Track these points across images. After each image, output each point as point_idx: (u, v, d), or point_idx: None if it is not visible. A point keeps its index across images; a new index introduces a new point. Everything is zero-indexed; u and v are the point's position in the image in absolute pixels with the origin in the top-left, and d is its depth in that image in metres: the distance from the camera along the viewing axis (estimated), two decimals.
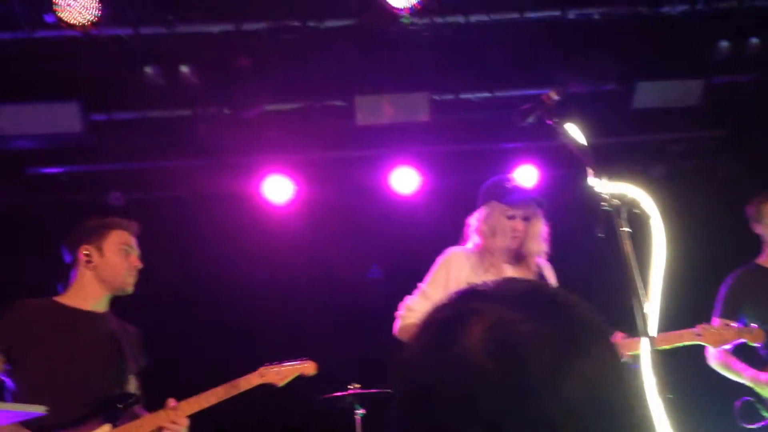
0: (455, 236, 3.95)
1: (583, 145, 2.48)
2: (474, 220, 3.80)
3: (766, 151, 5.58)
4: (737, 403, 3.96)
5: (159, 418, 3.21)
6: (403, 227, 5.81)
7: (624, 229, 2.23)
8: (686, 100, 4.96)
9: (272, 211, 5.98)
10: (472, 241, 3.80)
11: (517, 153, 5.98)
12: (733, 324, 3.67)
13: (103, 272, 3.37)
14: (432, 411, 0.87)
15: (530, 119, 2.72)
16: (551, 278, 3.83)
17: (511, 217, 3.68)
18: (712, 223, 5.35)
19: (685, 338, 3.54)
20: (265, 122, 5.46)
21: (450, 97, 5.45)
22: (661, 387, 2.15)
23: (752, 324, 3.72)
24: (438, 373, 0.89)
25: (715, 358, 4.00)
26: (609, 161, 5.19)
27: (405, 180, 5.94)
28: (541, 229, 3.72)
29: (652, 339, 2.15)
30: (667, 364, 2.26)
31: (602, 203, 2.29)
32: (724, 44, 4.83)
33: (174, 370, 4.35)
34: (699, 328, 3.60)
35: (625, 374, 0.91)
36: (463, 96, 5.48)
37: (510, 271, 3.74)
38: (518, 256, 3.78)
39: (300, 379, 3.66)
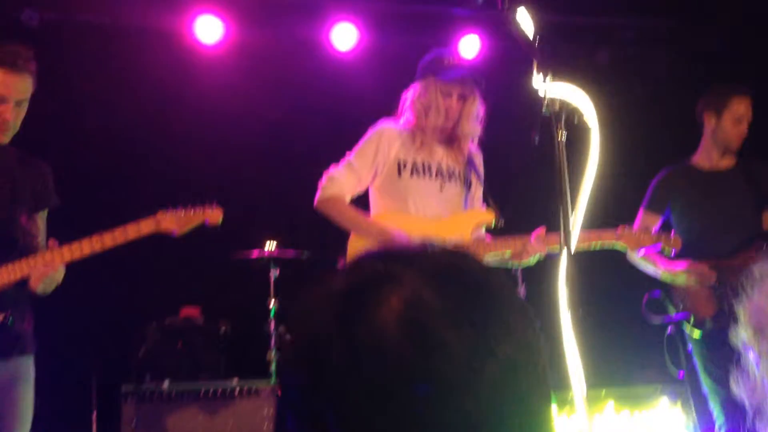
0: (390, 104, 3.77)
1: (530, 39, 2.31)
2: (409, 96, 3.64)
3: (713, 47, 5.50)
4: (646, 297, 4.03)
5: (35, 261, 2.99)
6: (337, 87, 5.55)
7: (561, 138, 2.12)
8: None
9: (201, 51, 5.60)
10: (405, 117, 3.66)
11: (464, 20, 5.70)
12: (653, 228, 3.68)
13: None
14: (336, 396, 0.75)
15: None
16: (480, 168, 3.75)
17: (447, 95, 3.54)
18: (652, 114, 5.32)
19: (605, 238, 3.50)
20: None
21: None
22: (573, 301, 2.14)
23: (672, 231, 3.72)
24: (344, 352, 0.76)
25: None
26: (555, 43, 5.08)
27: (343, 35, 5.62)
28: (476, 110, 3.59)
29: (570, 254, 2.12)
30: (582, 276, 2.25)
31: (543, 108, 2.16)
32: None
33: (85, 214, 4.12)
34: (619, 230, 3.57)
35: (542, 363, 0.82)
36: None
37: (441, 153, 3.64)
38: (451, 138, 3.67)
39: (217, 233, 3.34)
